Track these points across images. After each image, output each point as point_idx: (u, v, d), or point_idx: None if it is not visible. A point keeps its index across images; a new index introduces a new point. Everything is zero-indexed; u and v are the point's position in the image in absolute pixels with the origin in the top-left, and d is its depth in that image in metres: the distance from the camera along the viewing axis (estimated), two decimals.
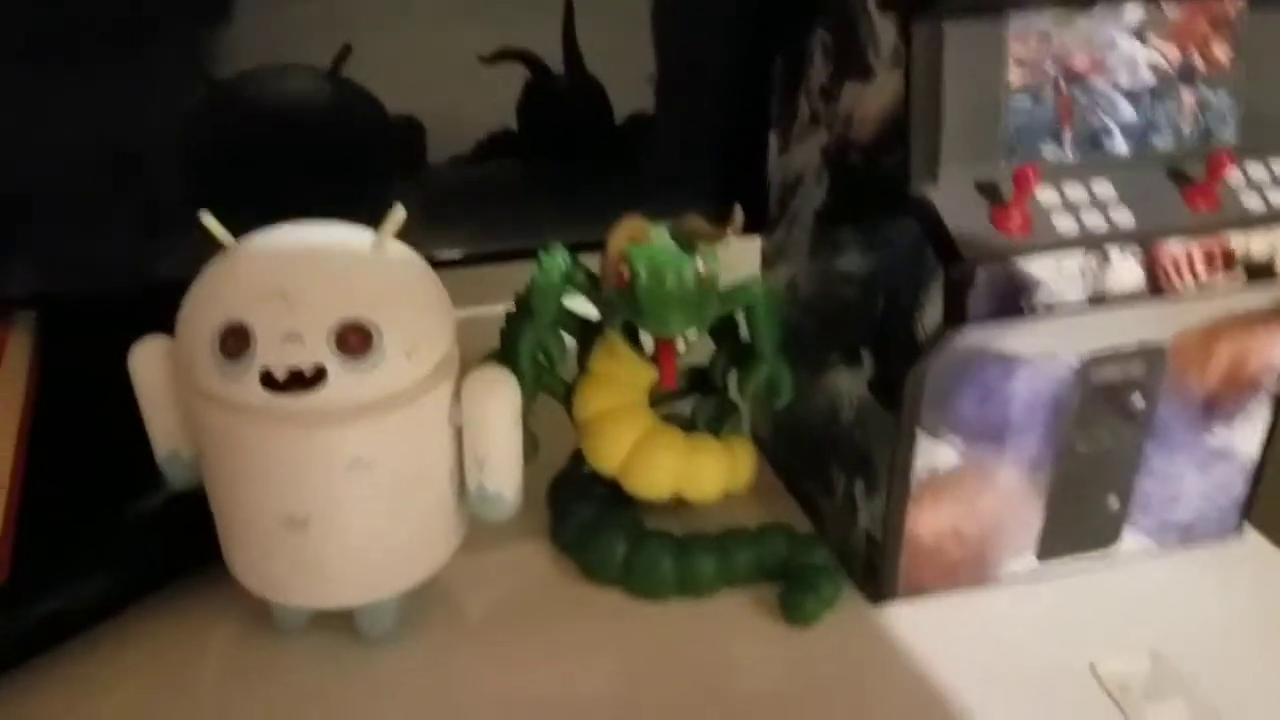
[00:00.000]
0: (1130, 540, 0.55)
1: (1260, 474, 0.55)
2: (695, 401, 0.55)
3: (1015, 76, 0.44)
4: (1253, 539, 0.57)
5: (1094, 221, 0.44)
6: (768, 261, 0.59)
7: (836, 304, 0.52)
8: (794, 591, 0.52)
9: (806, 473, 0.58)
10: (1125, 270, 0.44)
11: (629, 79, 0.61)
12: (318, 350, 0.41)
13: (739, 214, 0.47)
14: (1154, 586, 0.55)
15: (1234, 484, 0.55)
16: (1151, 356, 0.49)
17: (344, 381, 0.41)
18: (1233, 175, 0.46)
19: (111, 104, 0.54)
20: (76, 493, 0.52)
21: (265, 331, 0.41)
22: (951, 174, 0.44)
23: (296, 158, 0.58)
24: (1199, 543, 0.56)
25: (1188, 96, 0.46)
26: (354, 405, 0.42)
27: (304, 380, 0.41)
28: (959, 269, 0.42)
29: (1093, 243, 0.43)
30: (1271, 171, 0.46)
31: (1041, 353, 0.47)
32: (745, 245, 0.60)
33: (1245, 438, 0.53)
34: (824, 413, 0.54)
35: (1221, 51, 0.46)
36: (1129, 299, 0.44)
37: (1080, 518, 0.53)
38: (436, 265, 0.47)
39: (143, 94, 0.54)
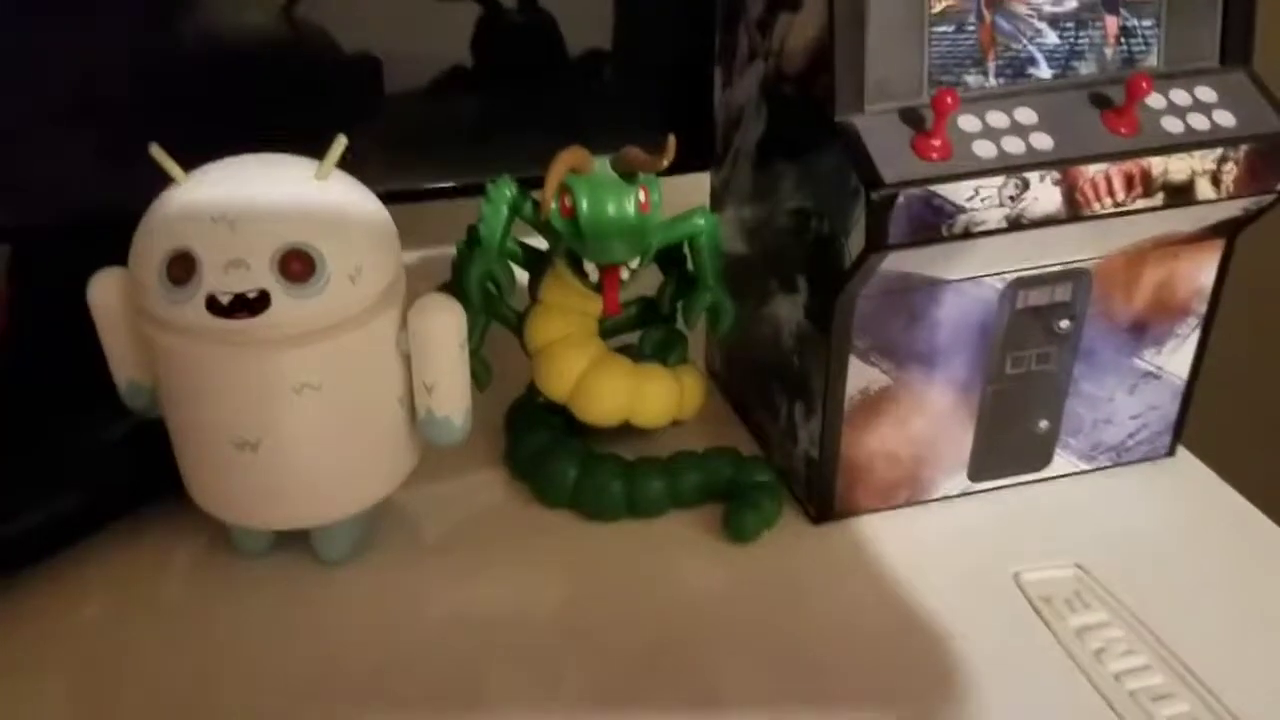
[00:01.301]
0: (1062, 461, 0.57)
1: (1190, 396, 0.57)
2: (644, 331, 0.57)
3: (937, 4, 0.45)
4: (1185, 459, 0.59)
5: (1014, 146, 0.45)
6: (716, 197, 0.61)
7: (777, 234, 0.53)
8: (737, 510, 0.54)
9: (755, 400, 0.60)
10: (1044, 194, 0.45)
11: (581, 14, 0.62)
12: (261, 276, 0.43)
13: (672, 143, 0.48)
14: (1083, 503, 0.57)
15: (1165, 406, 0.57)
16: (1077, 279, 0.51)
17: (288, 306, 0.43)
18: (1153, 99, 0.47)
19: (75, 39, 0.55)
20: (48, 419, 0.54)
21: (210, 257, 0.43)
22: (876, 102, 0.45)
23: (254, 92, 0.59)
24: (1131, 464, 0.58)
25: (1111, 22, 0.47)
26: (299, 330, 0.44)
27: (248, 305, 0.43)
28: (879, 193, 0.43)
29: (1012, 167, 0.45)
30: (1194, 95, 0.48)
31: (967, 277, 0.49)
32: (697, 180, 0.62)
33: (1176, 361, 0.55)
34: (768, 340, 0.55)
35: None
36: (1048, 222, 0.46)
37: (1011, 439, 0.55)
38: (392, 199, 0.49)
39: (106, 30, 0.55)
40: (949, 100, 0.43)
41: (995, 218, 0.45)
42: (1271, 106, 0.48)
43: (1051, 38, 0.47)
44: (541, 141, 0.55)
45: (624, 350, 0.58)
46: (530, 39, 0.62)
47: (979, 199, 0.44)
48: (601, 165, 0.50)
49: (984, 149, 0.45)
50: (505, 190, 0.52)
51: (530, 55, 0.62)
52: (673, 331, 0.57)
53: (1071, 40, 0.47)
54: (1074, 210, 0.46)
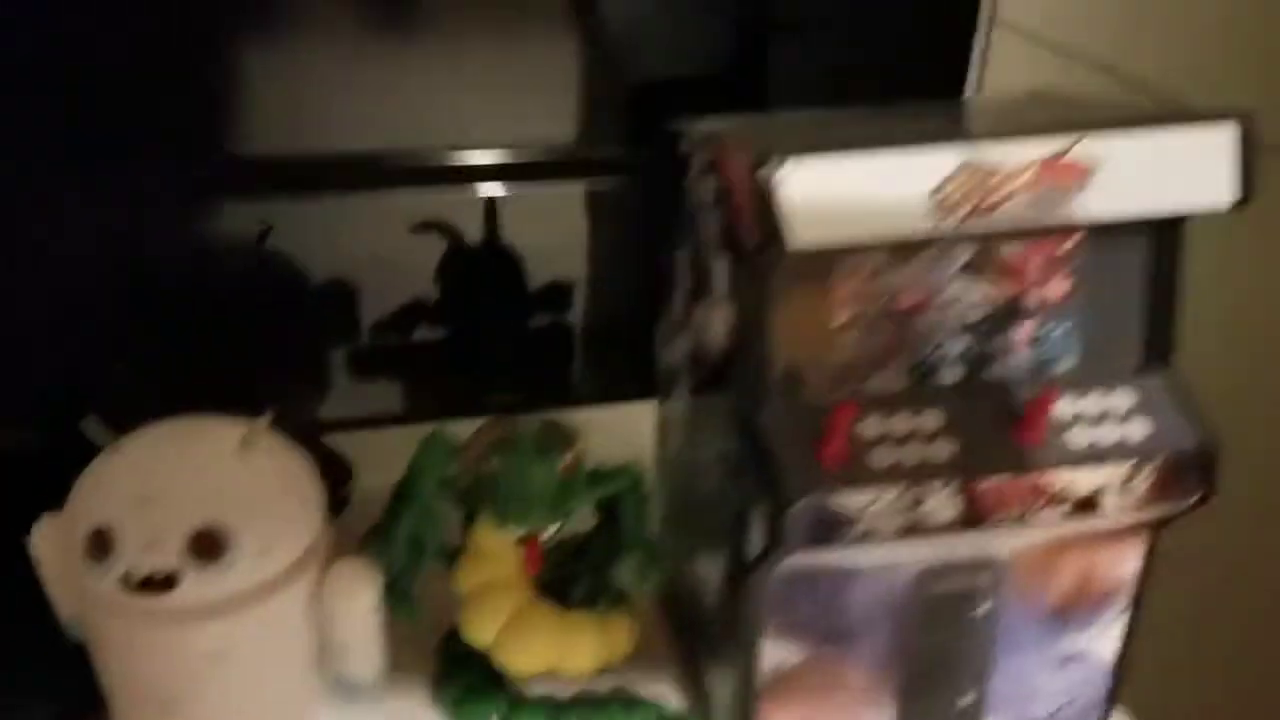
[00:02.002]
0: None
1: (1121, 673, 0.56)
2: (575, 580, 0.58)
3: (843, 314, 0.46)
4: None
5: (914, 456, 0.46)
6: (662, 432, 0.62)
7: (702, 493, 0.54)
8: None
9: (689, 650, 0.60)
10: (942, 505, 0.45)
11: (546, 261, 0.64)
12: (172, 556, 0.44)
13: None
14: None
15: (1094, 682, 0.56)
16: (992, 569, 0.51)
17: (197, 583, 0.45)
18: (1064, 407, 0.47)
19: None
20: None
21: (126, 536, 0.45)
22: (779, 405, 0.46)
23: (224, 320, 0.62)
24: None
25: (1023, 330, 0.48)
26: (207, 604, 0.45)
27: (157, 584, 0.44)
28: (776, 503, 0.44)
29: (910, 477, 0.45)
30: (1108, 403, 0.48)
31: (878, 565, 0.49)
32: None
33: (1101, 644, 0.54)
34: (696, 594, 0.56)
35: (1058, 286, 0.48)
36: (946, 530, 0.46)
37: (935, 714, 0.54)
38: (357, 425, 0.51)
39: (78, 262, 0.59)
40: (844, 413, 0.44)
41: (892, 526, 0.45)
42: (1187, 417, 0.48)
43: (961, 344, 0.48)
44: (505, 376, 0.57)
45: (554, 585, 0.58)
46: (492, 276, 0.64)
47: (875, 508, 0.45)
48: (523, 433, 0.51)
49: (883, 458, 0.45)
50: (438, 447, 0.54)
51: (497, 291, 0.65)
52: (603, 579, 0.58)
53: (982, 347, 0.48)
54: (974, 520, 0.46)
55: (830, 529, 0.45)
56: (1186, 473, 0.47)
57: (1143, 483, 0.47)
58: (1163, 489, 0.47)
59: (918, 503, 0.45)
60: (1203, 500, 0.48)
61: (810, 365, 0.46)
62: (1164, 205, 0.43)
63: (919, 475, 0.45)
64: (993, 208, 0.41)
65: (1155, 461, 0.47)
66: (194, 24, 0.56)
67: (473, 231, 0.63)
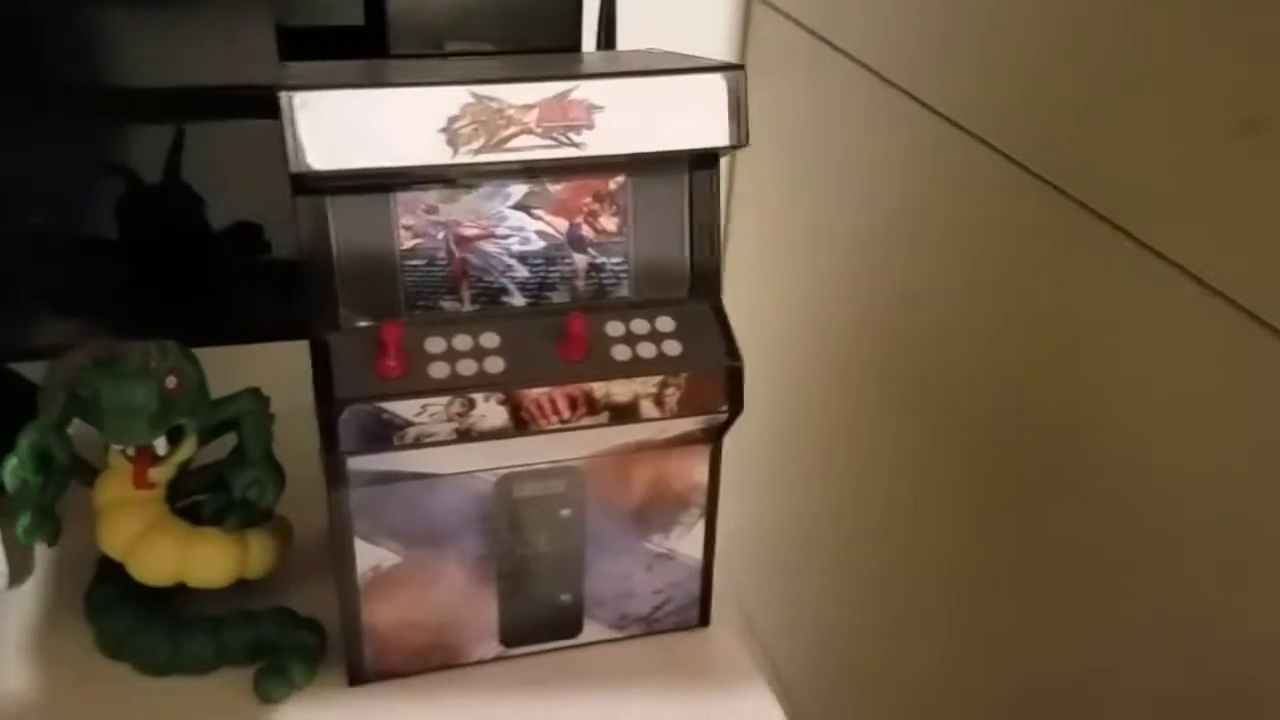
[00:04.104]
0: (593, 630, 0.62)
1: (710, 573, 0.63)
2: (208, 497, 0.62)
3: (406, 241, 0.51)
4: (717, 631, 0.65)
5: (466, 369, 0.51)
6: None
7: None
8: (265, 673, 0.58)
9: None
10: (490, 412, 0.51)
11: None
12: None
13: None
14: (615, 672, 0.62)
15: (686, 582, 0.62)
16: (569, 475, 0.57)
17: None
18: (612, 327, 0.53)
19: None
20: None
21: None
22: (352, 323, 0.51)
23: None
24: (663, 632, 0.64)
25: (580, 259, 0.54)
26: None
27: None
28: (328, 408, 0.49)
29: (458, 388, 0.50)
30: (654, 325, 0.54)
31: (458, 471, 0.55)
32: None
33: (686, 544, 0.61)
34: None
35: (609, 220, 0.54)
36: (497, 435, 0.52)
37: (537, 610, 0.60)
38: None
39: None
40: (392, 331, 0.49)
41: (445, 431, 0.51)
42: (720, 340, 0.54)
43: (522, 272, 0.53)
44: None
45: (191, 510, 0.62)
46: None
47: (426, 415, 0.50)
48: (126, 354, 0.55)
49: (438, 370, 0.51)
50: (61, 368, 0.57)
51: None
52: (232, 499, 0.62)
53: (542, 274, 0.53)
54: (521, 426, 0.52)
55: (384, 432, 0.50)
56: (709, 386, 0.54)
57: (674, 395, 0.53)
58: (693, 400, 0.54)
59: (467, 410, 0.51)
60: (733, 414, 0.55)
61: (380, 289, 0.51)
62: (665, 145, 0.50)
63: (467, 385, 0.51)
64: (503, 142, 0.47)
65: (685, 377, 0.53)
66: None
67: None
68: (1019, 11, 0.67)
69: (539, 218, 0.53)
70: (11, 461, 0.57)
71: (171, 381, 0.55)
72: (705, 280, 0.55)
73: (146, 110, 0.65)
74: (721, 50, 1.09)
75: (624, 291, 0.55)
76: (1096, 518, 0.63)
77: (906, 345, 0.81)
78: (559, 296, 0.54)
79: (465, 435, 0.51)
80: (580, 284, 0.54)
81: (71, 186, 0.65)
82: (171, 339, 0.59)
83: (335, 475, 0.52)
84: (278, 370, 0.62)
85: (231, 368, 0.63)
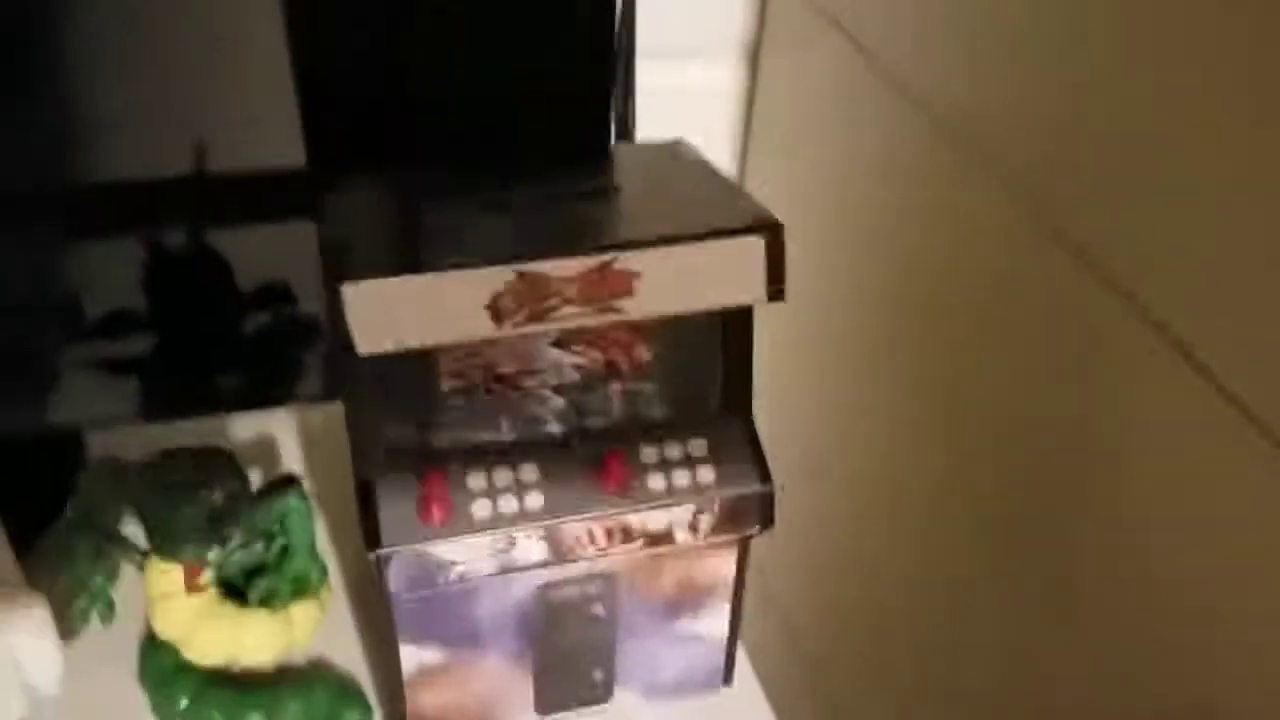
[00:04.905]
0: (623, 696, 0.66)
1: (734, 641, 0.66)
2: (251, 581, 0.65)
3: (447, 383, 0.52)
4: (741, 688, 0.69)
5: (508, 506, 0.53)
6: None
7: None
8: None
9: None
10: (530, 547, 0.53)
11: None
12: None
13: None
14: None
15: (711, 656, 0.66)
16: (604, 579, 0.59)
17: None
18: (647, 453, 0.55)
19: None
20: None
21: None
22: (395, 462, 0.53)
23: None
24: (688, 696, 0.67)
25: (615, 387, 0.55)
26: None
27: None
28: (377, 556, 0.51)
29: (503, 525, 0.52)
30: (687, 449, 0.56)
31: (498, 586, 0.57)
32: None
33: (712, 625, 0.64)
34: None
35: (644, 351, 0.55)
36: (537, 567, 0.54)
37: (570, 688, 0.64)
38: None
39: None
40: (436, 478, 0.51)
41: (488, 567, 0.53)
42: (754, 462, 0.56)
43: (559, 402, 0.54)
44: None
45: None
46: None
47: (470, 554, 0.52)
48: (180, 468, 0.57)
49: (480, 509, 0.52)
50: (104, 475, 0.59)
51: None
52: (275, 580, 0.65)
53: (579, 403, 0.55)
54: (560, 558, 0.54)
55: (431, 574, 0.52)
56: (747, 509, 0.56)
57: (708, 520, 0.55)
58: (726, 523, 0.56)
59: (509, 547, 0.53)
60: (764, 529, 0.57)
61: (422, 427, 0.53)
62: (705, 304, 0.50)
63: (511, 523, 0.53)
64: (546, 313, 0.47)
65: (718, 502, 0.55)
66: None
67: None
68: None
69: (576, 353, 0.53)
70: (67, 559, 0.59)
71: (218, 497, 0.57)
72: (737, 396, 0.57)
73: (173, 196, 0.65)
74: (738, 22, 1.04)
75: (658, 413, 0.56)
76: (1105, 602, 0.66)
77: (927, 355, 0.82)
78: (595, 422, 0.55)
79: (507, 569, 0.53)
80: (616, 409, 0.55)
81: (100, 268, 0.65)
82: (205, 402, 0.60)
83: (383, 600, 0.54)
84: (311, 429, 0.64)
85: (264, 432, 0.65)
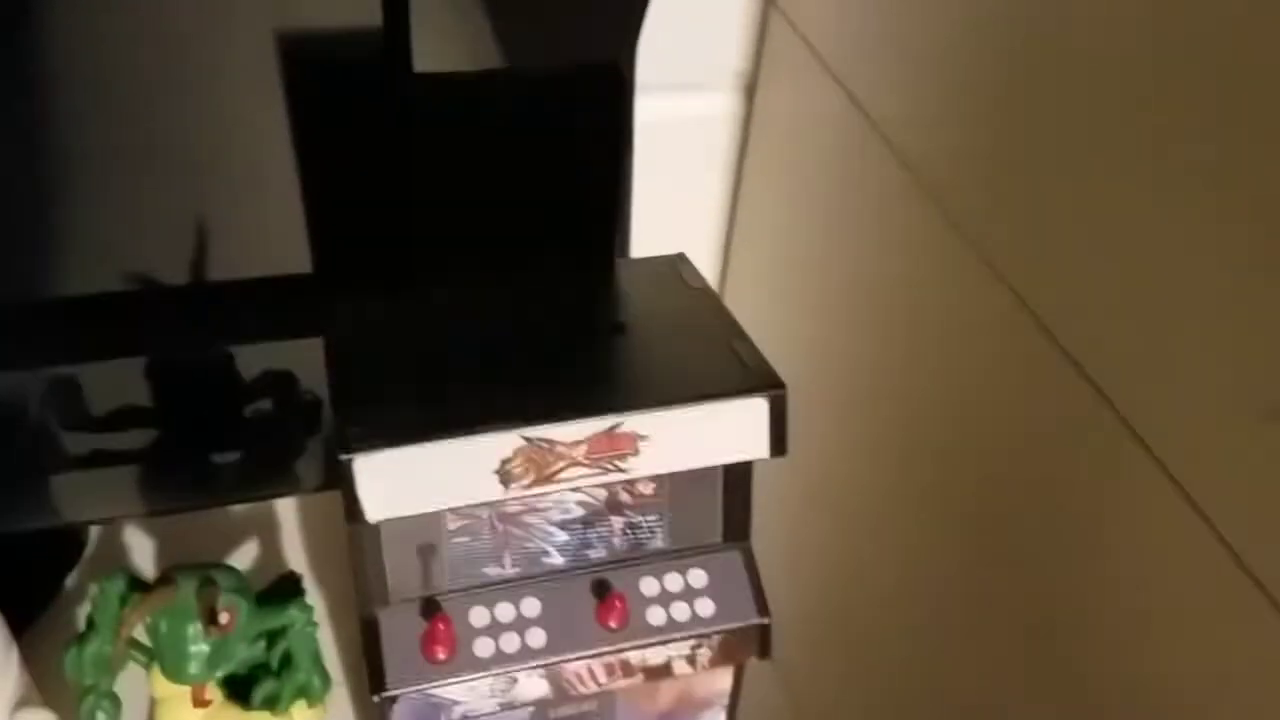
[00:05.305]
0: None
1: None
2: (255, 686, 0.65)
3: (452, 524, 0.53)
4: None
5: (509, 644, 0.53)
6: None
7: None
8: None
9: None
10: (531, 684, 0.54)
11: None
12: None
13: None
14: None
15: None
16: (602, 698, 0.60)
17: None
18: (647, 585, 0.56)
19: None
20: None
21: None
22: (399, 597, 0.53)
23: None
24: None
25: (617, 520, 0.56)
26: None
27: None
28: (381, 697, 0.52)
29: (505, 664, 0.53)
30: (686, 580, 0.56)
31: (501, 704, 0.58)
32: None
33: None
34: None
35: (646, 485, 0.55)
36: (538, 704, 0.54)
37: None
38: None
39: None
40: (441, 620, 0.51)
41: (489, 705, 0.54)
42: (753, 593, 0.56)
43: (562, 536, 0.55)
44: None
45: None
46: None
47: (472, 694, 0.53)
48: (185, 587, 0.57)
49: (483, 648, 0.53)
50: (118, 584, 0.59)
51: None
52: (280, 684, 0.65)
53: (581, 536, 0.55)
54: (560, 694, 0.54)
55: (434, 713, 0.53)
56: (745, 641, 0.56)
57: (706, 654, 0.56)
58: (724, 656, 0.56)
59: (510, 686, 0.53)
60: (760, 659, 0.58)
61: (426, 565, 0.53)
62: (708, 461, 0.51)
63: (513, 661, 0.53)
64: (552, 476, 0.48)
65: (717, 637, 0.56)
66: None
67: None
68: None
69: (579, 489, 0.54)
70: (73, 667, 0.60)
71: (224, 618, 0.58)
72: (736, 526, 0.57)
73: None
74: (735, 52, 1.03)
75: (658, 543, 0.57)
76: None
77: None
78: (596, 553, 0.56)
79: (509, 706, 0.54)
80: (617, 541, 0.56)
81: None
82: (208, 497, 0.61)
83: None
84: (310, 519, 0.64)
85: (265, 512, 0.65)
